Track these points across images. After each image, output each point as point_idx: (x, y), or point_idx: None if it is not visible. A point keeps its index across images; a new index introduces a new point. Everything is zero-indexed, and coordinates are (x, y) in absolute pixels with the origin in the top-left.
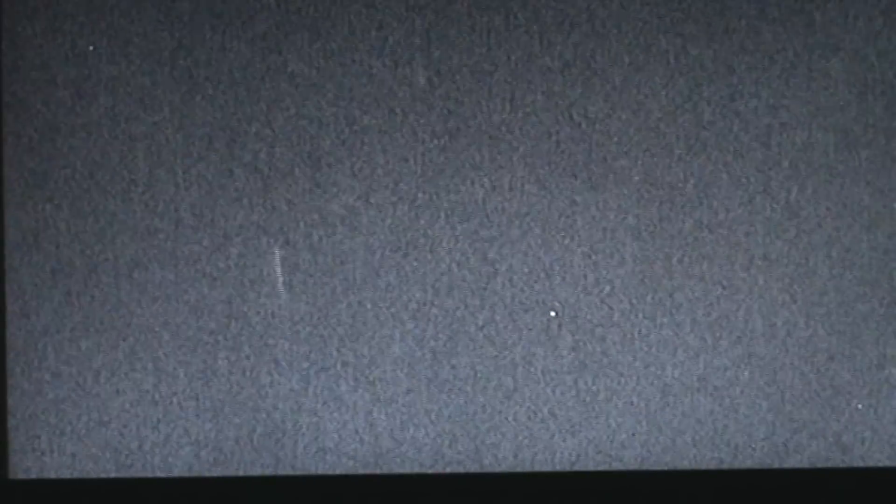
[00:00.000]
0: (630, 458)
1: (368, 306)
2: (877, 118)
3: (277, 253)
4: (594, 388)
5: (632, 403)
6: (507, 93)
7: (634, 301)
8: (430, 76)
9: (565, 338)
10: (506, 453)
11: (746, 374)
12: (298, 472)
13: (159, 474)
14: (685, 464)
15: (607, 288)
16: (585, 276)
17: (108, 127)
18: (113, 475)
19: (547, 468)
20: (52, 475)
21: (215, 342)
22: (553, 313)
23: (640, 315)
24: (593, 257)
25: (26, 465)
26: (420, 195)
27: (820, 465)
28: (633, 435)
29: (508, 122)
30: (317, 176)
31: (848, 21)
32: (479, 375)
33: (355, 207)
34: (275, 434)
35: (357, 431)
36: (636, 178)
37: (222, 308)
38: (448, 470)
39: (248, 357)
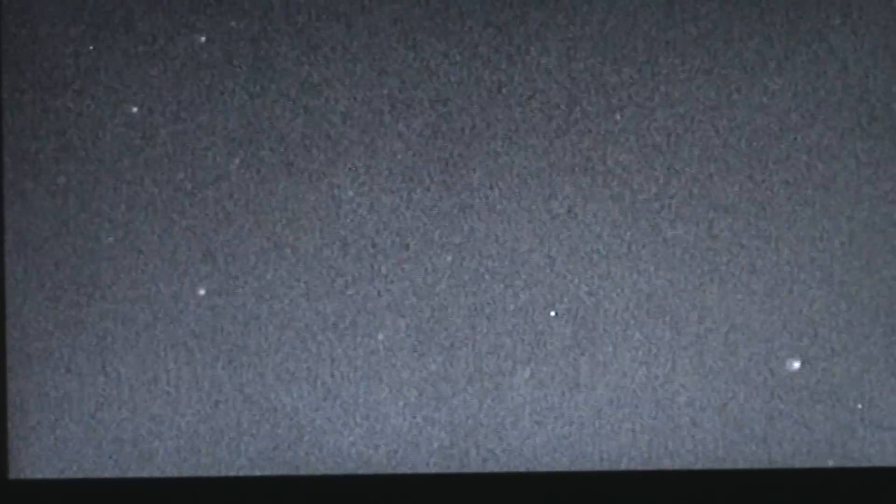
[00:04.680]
0: (631, 459)
1: (367, 305)
2: (881, 120)
3: None
4: (595, 388)
5: (632, 403)
6: (507, 91)
7: (636, 301)
8: (425, 73)
9: (565, 338)
10: (506, 454)
11: (746, 374)
12: (298, 473)
13: (159, 474)
14: (685, 464)
15: (608, 288)
16: (586, 276)
17: (108, 127)
18: (113, 475)
19: (547, 468)
20: (52, 475)
21: (216, 343)
22: (553, 313)
23: (642, 315)
24: (595, 257)
25: (26, 465)
26: (419, 193)
27: (819, 465)
28: (634, 435)
29: (509, 120)
30: (316, 176)
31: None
32: (478, 376)
33: (355, 206)
34: (275, 434)
35: (357, 432)
36: (636, 179)
37: (223, 309)
38: (447, 470)
39: (248, 357)
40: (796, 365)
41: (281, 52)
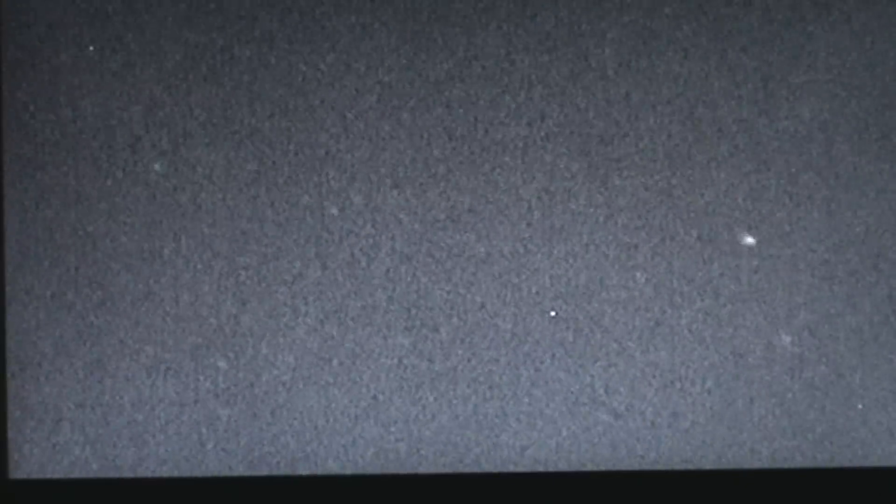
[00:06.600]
0: (631, 459)
1: (368, 306)
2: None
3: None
4: (595, 387)
5: (632, 403)
6: (507, 93)
7: (636, 301)
8: (431, 78)
9: (565, 338)
10: (507, 453)
11: (747, 374)
12: (298, 473)
13: (159, 474)
14: (685, 464)
15: (608, 288)
16: (586, 276)
17: (109, 128)
18: (113, 475)
19: (547, 468)
20: (52, 475)
21: (216, 343)
22: (553, 313)
23: (642, 315)
24: (595, 257)
25: (26, 465)
26: (422, 196)
27: (820, 465)
28: (634, 435)
29: (511, 122)
30: (319, 178)
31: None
32: (479, 376)
33: (358, 207)
34: (275, 434)
35: (357, 432)
36: (638, 181)
37: (223, 310)
38: (448, 470)
39: (248, 358)
40: (749, 240)
41: (280, 52)
